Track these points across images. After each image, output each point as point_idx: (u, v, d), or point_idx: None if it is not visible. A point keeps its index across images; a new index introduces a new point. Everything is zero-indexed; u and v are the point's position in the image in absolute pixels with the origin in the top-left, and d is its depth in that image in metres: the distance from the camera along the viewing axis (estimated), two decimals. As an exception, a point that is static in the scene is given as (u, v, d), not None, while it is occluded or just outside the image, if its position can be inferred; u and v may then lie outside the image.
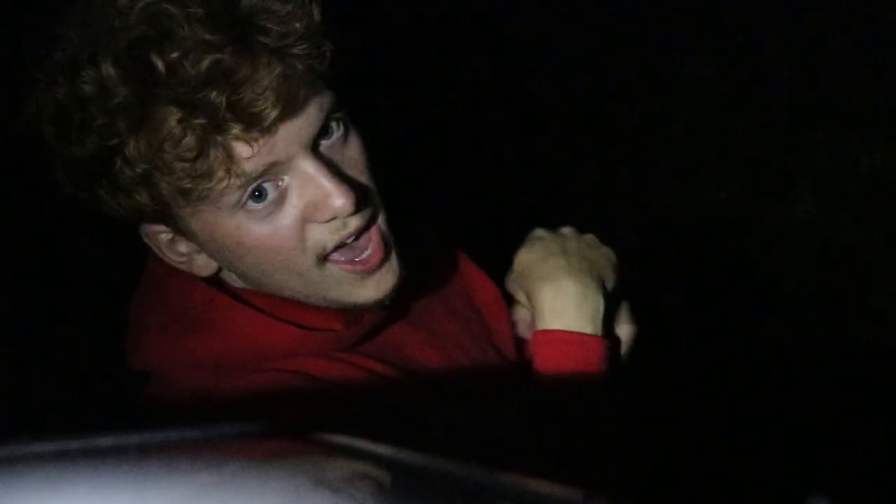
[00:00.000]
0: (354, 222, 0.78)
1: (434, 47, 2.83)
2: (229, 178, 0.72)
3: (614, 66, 3.18)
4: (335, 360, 0.83)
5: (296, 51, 0.73)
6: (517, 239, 0.97)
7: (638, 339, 0.98)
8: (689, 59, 3.26)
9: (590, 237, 0.97)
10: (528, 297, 0.95)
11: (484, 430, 0.87)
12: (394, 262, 0.82)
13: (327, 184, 0.75)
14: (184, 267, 0.82)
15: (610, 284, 0.95)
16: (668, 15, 3.37)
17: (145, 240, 0.82)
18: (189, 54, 0.69)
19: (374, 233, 0.80)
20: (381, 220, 0.81)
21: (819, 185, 2.76)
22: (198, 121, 0.70)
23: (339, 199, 0.75)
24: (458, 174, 2.61)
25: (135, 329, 0.86)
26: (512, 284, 0.98)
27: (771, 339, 2.36)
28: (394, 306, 0.88)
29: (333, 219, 0.77)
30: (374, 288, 0.81)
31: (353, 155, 0.79)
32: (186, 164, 0.71)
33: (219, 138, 0.71)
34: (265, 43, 0.72)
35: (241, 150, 0.72)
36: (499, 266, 1.00)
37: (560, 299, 0.91)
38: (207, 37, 0.69)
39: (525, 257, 0.95)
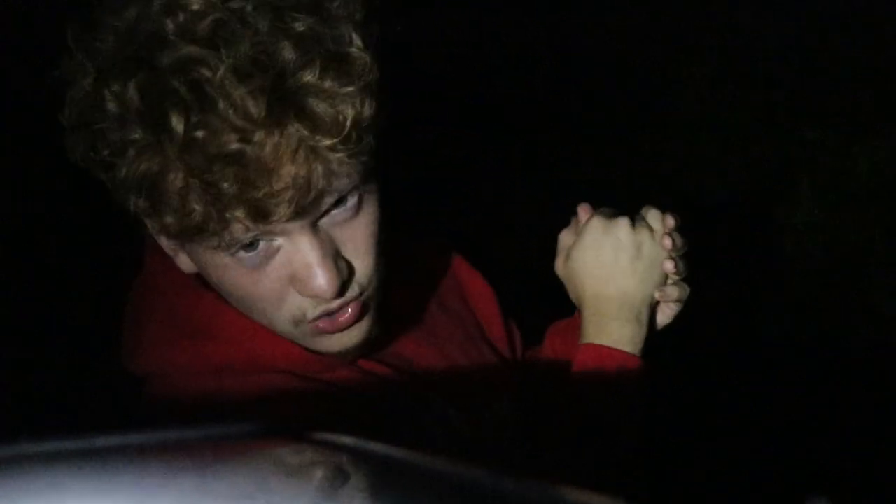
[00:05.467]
0: (337, 301, 0.75)
1: (434, 48, 2.83)
2: (220, 240, 0.70)
3: (613, 65, 3.18)
4: (334, 360, 0.84)
5: (335, 150, 0.67)
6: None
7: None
8: (689, 58, 3.26)
9: (644, 236, 0.92)
10: (579, 304, 0.95)
11: (479, 427, 0.87)
12: (365, 323, 0.80)
13: (315, 267, 0.72)
14: (172, 255, 0.80)
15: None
16: (668, 15, 3.37)
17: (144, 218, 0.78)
18: (215, 133, 0.64)
19: (354, 303, 0.78)
20: (368, 292, 0.78)
21: (819, 185, 2.76)
22: (204, 195, 0.66)
23: (323, 284, 0.72)
24: (454, 170, 2.62)
25: (133, 334, 0.86)
26: (561, 271, 0.96)
27: (770, 339, 2.36)
28: (392, 307, 0.88)
29: (312, 296, 0.74)
30: (338, 342, 0.79)
31: (357, 231, 0.75)
32: (181, 217, 0.68)
33: (221, 215, 0.67)
34: (303, 135, 0.66)
35: (239, 228, 0.69)
36: (495, 261, 1.00)
37: (615, 329, 0.92)
38: (239, 122, 0.64)
39: (581, 253, 0.93)
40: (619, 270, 0.92)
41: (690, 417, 1.94)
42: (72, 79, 0.69)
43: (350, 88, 0.67)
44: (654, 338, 0.95)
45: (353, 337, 0.80)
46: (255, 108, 0.64)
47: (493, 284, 1.05)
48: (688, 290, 0.96)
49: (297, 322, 0.77)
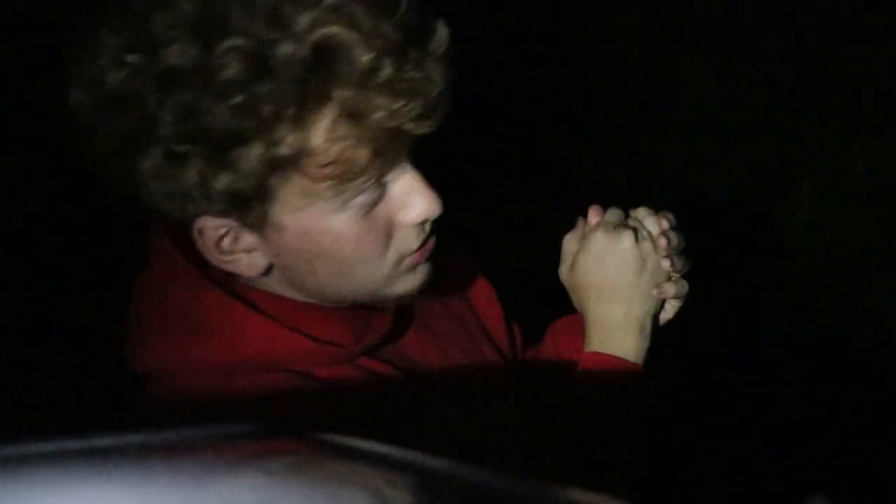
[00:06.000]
0: (431, 224, 0.81)
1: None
2: (365, 179, 0.73)
3: (613, 65, 3.18)
4: (336, 361, 0.83)
5: (446, 79, 0.74)
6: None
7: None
8: (689, 58, 3.26)
9: (648, 248, 0.94)
10: (583, 312, 0.96)
11: (479, 427, 0.87)
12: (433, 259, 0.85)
13: (426, 189, 0.78)
14: (226, 266, 0.79)
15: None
16: (668, 15, 3.37)
17: (194, 234, 0.77)
18: (381, 57, 0.68)
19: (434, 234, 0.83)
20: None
21: (819, 185, 2.76)
22: (368, 122, 0.69)
23: (433, 204, 0.78)
24: (454, 169, 2.61)
25: (136, 331, 0.85)
26: (566, 278, 0.98)
27: (770, 339, 2.36)
28: (399, 313, 0.88)
29: (422, 222, 0.79)
30: (419, 278, 0.84)
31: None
32: (336, 161, 0.70)
33: (375, 142, 0.71)
34: (430, 63, 0.72)
35: (387, 151, 0.72)
36: (496, 260, 1.00)
37: (618, 339, 0.93)
38: (395, 38, 0.69)
39: (586, 266, 0.94)
40: (623, 284, 0.92)
41: (690, 417, 1.94)
42: (149, 65, 0.68)
43: (445, 28, 0.75)
44: (657, 335, 0.95)
45: (428, 272, 0.84)
46: (396, 37, 0.69)
47: (494, 283, 1.04)
48: (686, 286, 0.96)
49: (402, 259, 0.81)
